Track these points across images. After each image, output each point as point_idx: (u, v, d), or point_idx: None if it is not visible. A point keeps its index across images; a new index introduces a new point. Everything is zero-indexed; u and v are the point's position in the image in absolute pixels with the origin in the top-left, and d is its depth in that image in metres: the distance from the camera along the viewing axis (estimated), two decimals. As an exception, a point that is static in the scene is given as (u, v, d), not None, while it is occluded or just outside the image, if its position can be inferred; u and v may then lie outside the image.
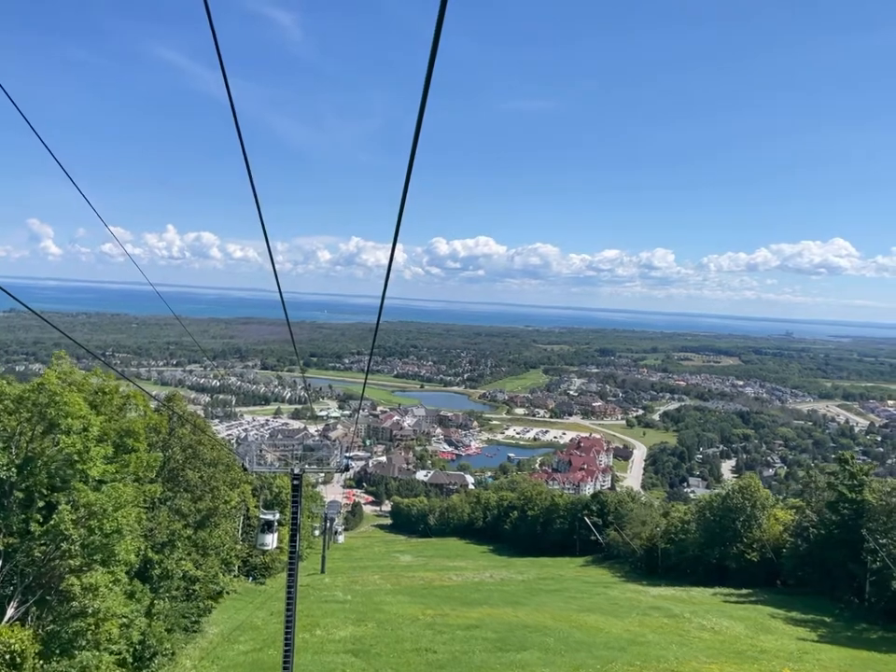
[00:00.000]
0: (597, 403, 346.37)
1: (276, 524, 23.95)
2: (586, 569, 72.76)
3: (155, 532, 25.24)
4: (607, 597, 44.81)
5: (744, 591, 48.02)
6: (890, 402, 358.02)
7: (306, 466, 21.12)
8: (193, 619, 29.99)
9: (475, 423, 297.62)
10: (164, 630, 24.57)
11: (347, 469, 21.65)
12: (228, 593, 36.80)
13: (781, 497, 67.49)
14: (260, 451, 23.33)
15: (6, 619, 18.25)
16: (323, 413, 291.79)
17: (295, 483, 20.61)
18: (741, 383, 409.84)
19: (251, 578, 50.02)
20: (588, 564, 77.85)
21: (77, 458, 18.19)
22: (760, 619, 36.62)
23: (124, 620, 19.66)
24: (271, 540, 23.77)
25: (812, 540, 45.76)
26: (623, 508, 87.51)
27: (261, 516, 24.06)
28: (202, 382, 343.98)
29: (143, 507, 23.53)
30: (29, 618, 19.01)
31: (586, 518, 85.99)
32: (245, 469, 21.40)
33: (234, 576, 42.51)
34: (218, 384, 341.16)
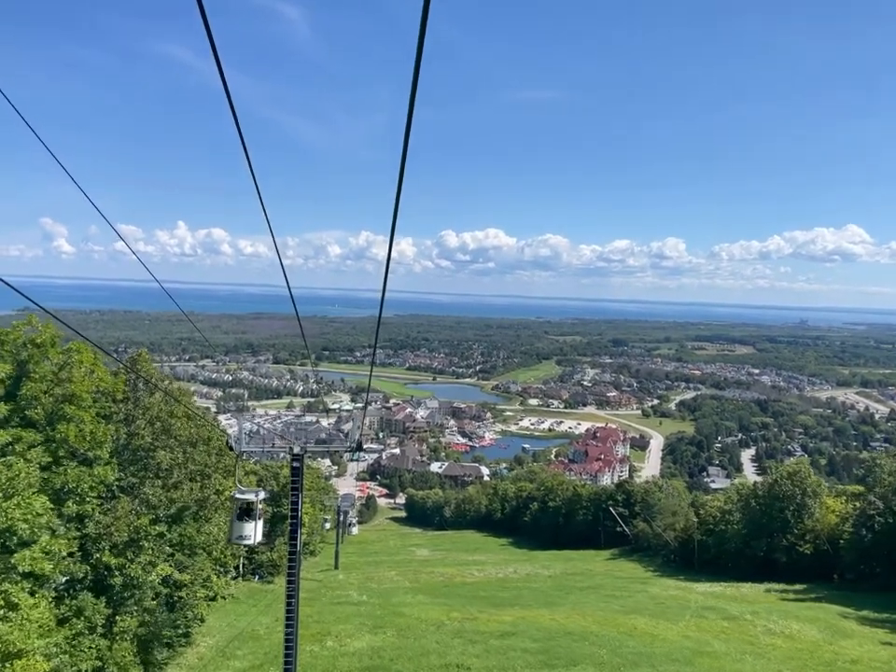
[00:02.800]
0: (612, 393, 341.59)
1: (260, 507, 17.92)
2: (615, 563, 68.51)
3: (112, 530, 19.84)
4: (649, 596, 40.49)
5: (797, 586, 43.52)
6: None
7: (308, 444, 16.90)
8: (180, 631, 25.72)
9: (489, 414, 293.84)
10: (132, 653, 20.02)
11: (360, 447, 17.41)
12: (224, 598, 32.61)
13: (828, 486, 62.57)
14: (254, 428, 18.54)
15: None
16: (335, 406, 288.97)
17: (295, 465, 16.40)
18: (757, 371, 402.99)
19: (257, 576, 45.99)
20: (615, 557, 73.68)
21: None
22: (830, 620, 32.15)
23: (50, 651, 15.26)
24: (252, 530, 17.70)
25: (878, 530, 41.18)
26: (650, 498, 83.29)
27: (237, 496, 17.76)
28: (214, 377, 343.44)
29: (94, 496, 19.14)
30: None
31: (612, 509, 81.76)
32: (232, 449, 17.09)
33: (233, 577, 38.13)
34: (231, 378, 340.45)
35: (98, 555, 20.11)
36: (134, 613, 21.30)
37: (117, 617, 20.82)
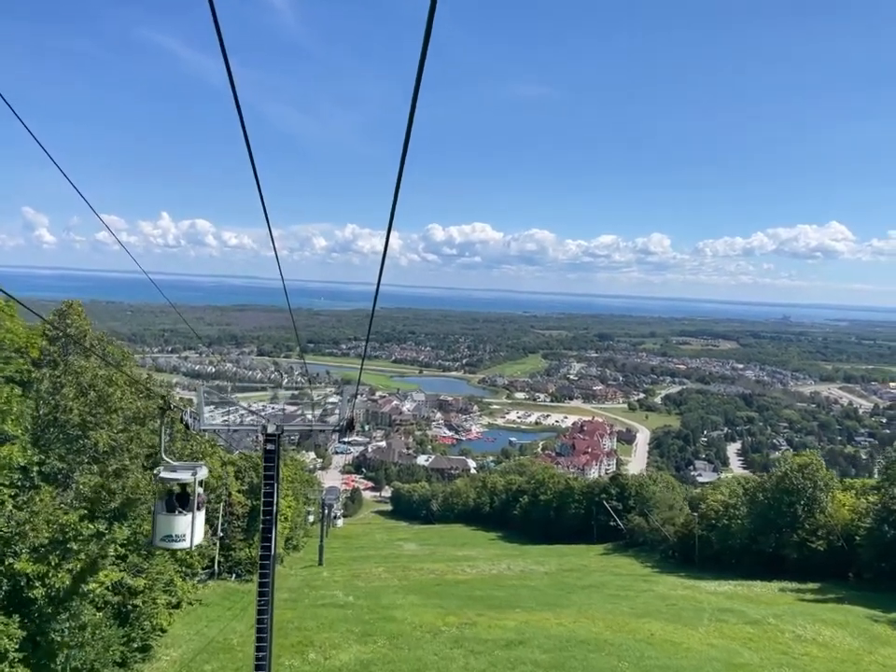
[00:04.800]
0: (598, 387, 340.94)
1: (201, 492, 12.70)
2: (610, 558, 65.92)
3: (28, 528, 15.36)
4: (657, 595, 37.71)
5: (811, 585, 41.00)
6: (892, 384, 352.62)
7: (284, 424, 13.66)
8: (136, 646, 22.01)
9: (475, 407, 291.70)
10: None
11: (352, 426, 14.21)
12: (191, 603, 29.12)
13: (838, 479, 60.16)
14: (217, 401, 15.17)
15: None
16: (319, 398, 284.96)
17: (269, 448, 13.23)
18: (741, 366, 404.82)
19: (234, 575, 42.54)
20: (609, 552, 71.21)
21: None
22: (861, 624, 29.45)
23: None
24: (185, 527, 12.29)
25: (900, 526, 38.71)
26: (645, 491, 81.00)
27: (162, 475, 12.52)
28: (197, 368, 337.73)
29: (3, 484, 15.36)
30: None
31: (605, 503, 79.27)
32: (188, 427, 13.57)
33: (200, 580, 34.44)
34: (214, 370, 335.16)
35: (10, 562, 15.69)
36: (66, 633, 16.96)
37: (39, 639, 16.59)
